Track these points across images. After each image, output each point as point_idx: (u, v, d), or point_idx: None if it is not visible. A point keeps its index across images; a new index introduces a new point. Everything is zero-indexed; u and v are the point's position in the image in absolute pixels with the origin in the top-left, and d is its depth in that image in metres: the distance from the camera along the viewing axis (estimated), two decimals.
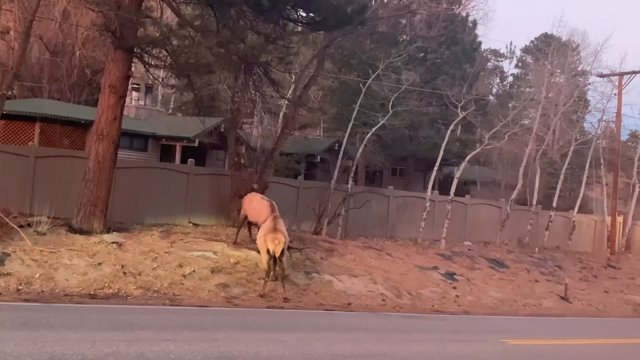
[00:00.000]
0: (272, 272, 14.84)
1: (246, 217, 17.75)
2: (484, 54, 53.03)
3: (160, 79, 34.07)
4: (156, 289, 13.70)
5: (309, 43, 28.36)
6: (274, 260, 14.58)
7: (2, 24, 26.27)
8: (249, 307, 13.47)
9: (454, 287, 19.21)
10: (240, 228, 18.04)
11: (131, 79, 19.42)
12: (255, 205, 17.30)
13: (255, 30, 18.23)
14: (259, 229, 17.13)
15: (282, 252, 14.47)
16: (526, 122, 35.48)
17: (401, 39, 32.00)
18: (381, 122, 24.78)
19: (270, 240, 14.38)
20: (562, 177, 30.43)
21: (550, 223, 29.02)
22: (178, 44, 17.06)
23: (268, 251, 14.37)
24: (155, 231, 17.38)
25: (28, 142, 23.35)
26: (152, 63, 17.79)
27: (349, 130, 25.44)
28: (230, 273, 15.31)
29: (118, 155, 17.13)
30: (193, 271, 14.84)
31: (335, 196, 23.24)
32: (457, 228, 26.36)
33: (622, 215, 32.94)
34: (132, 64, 17.70)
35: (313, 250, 18.91)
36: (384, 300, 16.49)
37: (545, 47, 38.53)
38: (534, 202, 29.34)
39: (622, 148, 36.39)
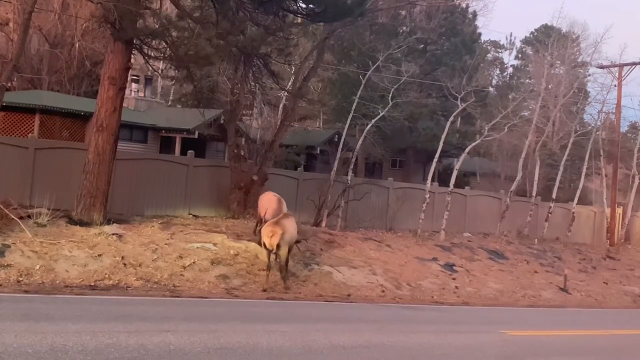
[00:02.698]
0: (272, 265, 14.80)
1: (260, 214, 17.59)
2: (484, 46, 52.82)
3: (159, 71, 34.00)
4: (156, 280, 13.74)
5: (308, 34, 28.32)
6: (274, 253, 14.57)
7: (1, 15, 26.20)
8: (248, 298, 13.53)
9: (454, 279, 19.25)
10: (257, 224, 17.67)
11: (130, 71, 19.39)
12: (264, 202, 17.39)
13: (254, 22, 18.20)
14: None
15: (278, 245, 14.31)
16: (526, 113, 35.42)
17: (401, 31, 31.92)
18: (381, 114, 24.76)
19: (266, 234, 14.36)
20: (561, 168, 30.43)
21: (549, 214, 29.05)
22: (177, 36, 17.02)
23: (264, 245, 14.37)
24: (155, 223, 17.40)
25: (28, 133, 23.33)
26: (152, 54, 17.76)
27: (348, 122, 25.43)
28: (230, 264, 15.35)
29: (118, 146, 17.13)
30: (193, 262, 14.88)
31: (335, 188, 23.26)
32: (456, 219, 26.38)
33: (621, 207, 32.96)
34: (132, 56, 17.65)
35: (313, 241, 18.93)
36: (383, 291, 16.54)
37: (545, 38, 38.35)
38: (534, 194, 29.36)
39: (622, 139, 36.35)
